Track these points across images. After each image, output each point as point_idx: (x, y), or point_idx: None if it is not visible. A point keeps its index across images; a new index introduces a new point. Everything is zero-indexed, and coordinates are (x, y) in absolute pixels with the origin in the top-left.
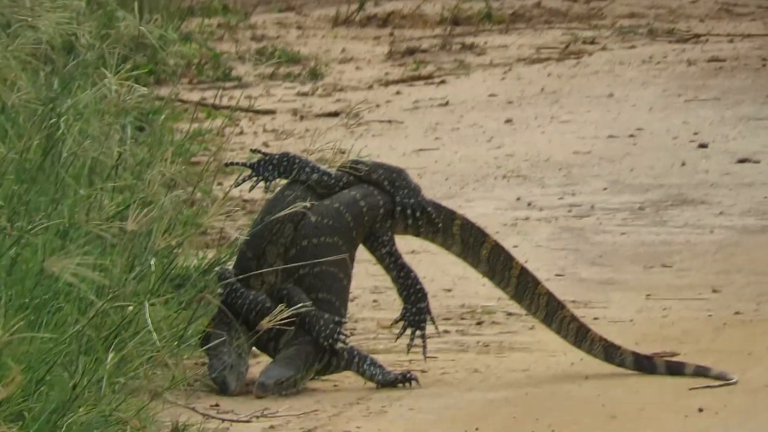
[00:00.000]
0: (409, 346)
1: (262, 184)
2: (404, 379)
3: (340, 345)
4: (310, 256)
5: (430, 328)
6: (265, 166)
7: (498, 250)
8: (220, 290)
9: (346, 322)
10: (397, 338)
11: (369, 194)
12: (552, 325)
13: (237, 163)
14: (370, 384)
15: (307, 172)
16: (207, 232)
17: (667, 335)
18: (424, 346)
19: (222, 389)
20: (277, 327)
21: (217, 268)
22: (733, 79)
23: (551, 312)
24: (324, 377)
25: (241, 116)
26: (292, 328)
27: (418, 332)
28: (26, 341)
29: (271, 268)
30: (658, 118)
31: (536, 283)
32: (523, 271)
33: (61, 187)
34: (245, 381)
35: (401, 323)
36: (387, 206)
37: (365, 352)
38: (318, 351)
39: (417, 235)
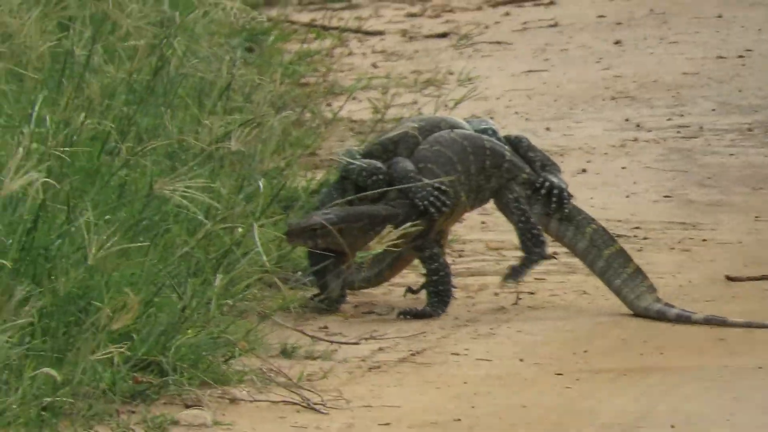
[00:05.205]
0: (507, 277)
1: None
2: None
3: (434, 210)
4: (429, 153)
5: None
6: None
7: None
8: (342, 162)
9: (447, 191)
10: (503, 282)
11: (503, 151)
12: None
13: None
14: (479, 306)
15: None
16: (316, 153)
17: None
18: (517, 279)
19: (322, 290)
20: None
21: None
22: None
23: None
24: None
25: (351, 37)
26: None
27: (518, 277)
28: (136, 263)
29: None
30: (767, 39)
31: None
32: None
33: (170, 108)
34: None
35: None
36: (531, 177)
37: (449, 275)
38: (403, 215)
39: (547, 223)
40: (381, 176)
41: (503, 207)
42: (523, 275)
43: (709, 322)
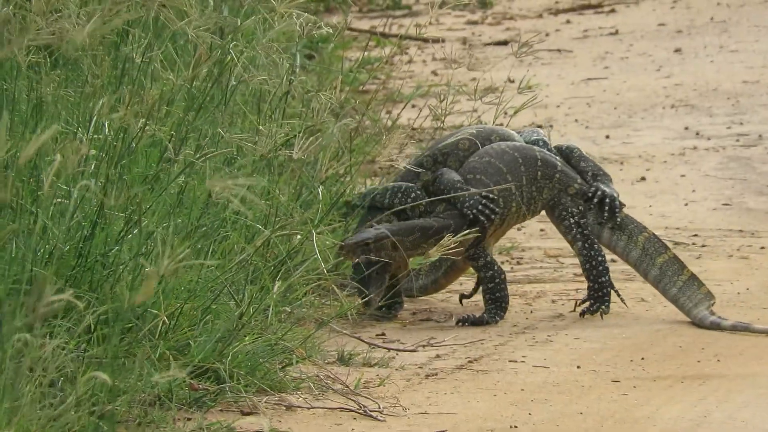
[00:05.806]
0: (583, 314)
1: None
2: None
3: (483, 218)
4: (478, 164)
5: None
6: None
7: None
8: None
9: (495, 199)
10: (582, 315)
11: (554, 161)
12: None
13: None
14: (537, 314)
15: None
16: (375, 161)
17: None
18: (603, 313)
19: (363, 298)
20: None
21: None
22: None
23: None
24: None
25: (411, 45)
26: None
27: (602, 308)
28: (193, 270)
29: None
30: None
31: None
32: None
33: (229, 115)
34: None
35: (587, 302)
36: (582, 187)
37: (504, 281)
38: (455, 225)
39: (599, 233)
40: (418, 192)
41: (557, 222)
42: (596, 310)
43: (735, 328)
